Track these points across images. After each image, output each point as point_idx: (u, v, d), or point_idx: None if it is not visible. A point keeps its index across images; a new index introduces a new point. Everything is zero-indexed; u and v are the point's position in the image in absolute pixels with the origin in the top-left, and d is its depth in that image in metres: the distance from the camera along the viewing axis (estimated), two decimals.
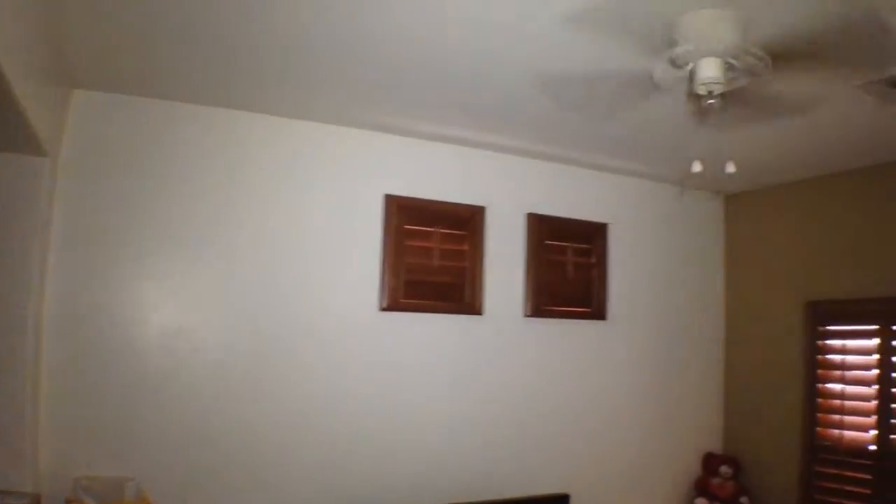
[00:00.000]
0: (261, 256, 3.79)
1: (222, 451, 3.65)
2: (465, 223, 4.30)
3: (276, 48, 2.98)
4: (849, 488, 4.46)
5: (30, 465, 3.09)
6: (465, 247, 4.29)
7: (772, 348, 4.96)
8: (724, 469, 4.92)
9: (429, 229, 4.19)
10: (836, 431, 4.59)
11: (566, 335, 4.61)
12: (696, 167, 3.10)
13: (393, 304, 4.05)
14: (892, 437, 4.24)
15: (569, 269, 4.65)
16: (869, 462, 4.35)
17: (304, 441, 3.81)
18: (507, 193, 4.47)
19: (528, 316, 4.48)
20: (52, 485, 3.24)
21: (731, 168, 3.13)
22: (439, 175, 4.27)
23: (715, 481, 4.91)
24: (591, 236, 4.75)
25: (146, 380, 3.53)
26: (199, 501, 3.56)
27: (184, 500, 3.52)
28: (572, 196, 4.71)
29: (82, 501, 3.17)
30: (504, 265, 4.42)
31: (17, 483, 2.98)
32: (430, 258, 4.18)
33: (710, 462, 5.02)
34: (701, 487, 4.96)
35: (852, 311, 4.55)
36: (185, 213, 3.66)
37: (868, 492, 4.34)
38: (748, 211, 5.28)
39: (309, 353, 3.86)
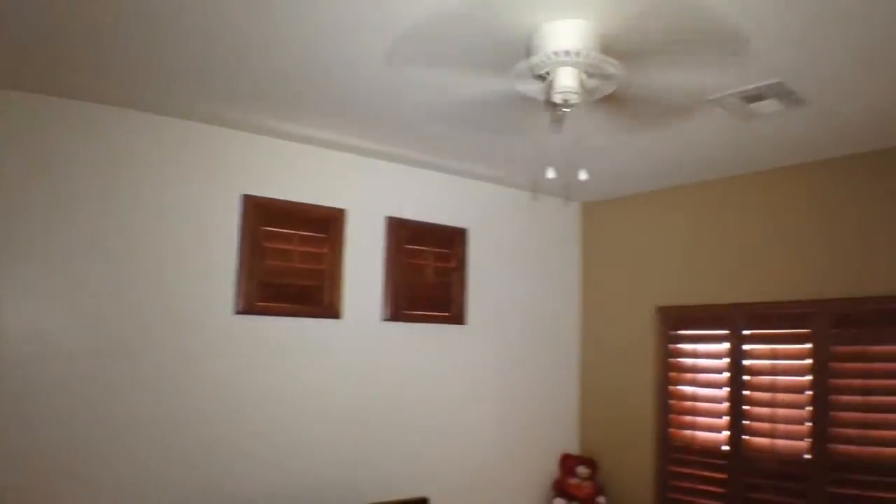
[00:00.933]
0: (118, 257, 3.63)
1: (85, 454, 3.48)
2: (325, 226, 4.25)
3: (129, 38, 2.86)
4: (702, 487, 4.65)
5: None
6: (325, 249, 4.23)
7: (626, 352, 5.13)
8: (581, 469, 5.04)
9: (288, 231, 4.11)
10: (689, 432, 4.79)
11: (425, 339, 4.62)
12: (550, 174, 3.17)
13: (248, 307, 3.96)
14: (745, 437, 4.44)
15: (428, 274, 4.66)
16: (722, 462, 4.55)
17: (160, 444, 3.67)
18: (368, 197, 4.45)
19: (387, 320, 4.46)
20: None
21: (583, 175, 3.21)
22: (299, 177, 4.19)
23: (572, 481, 5.02)
24: (450, 241, 4.78)
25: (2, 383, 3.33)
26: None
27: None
28: (432, 201, 4.73)
29: None
30: (364, 268, 4.39)
31: None
32: (288, 260, 4.10)
33: (568, 463, 5.13)
34: (559, 488, 5.06)
35: (702, 316, 4.76)
36: (42, 211, 3.46)
37: (722, 490, 4.54)
38: (604, 218, 5.44)
39: (164, 356, 3.71)
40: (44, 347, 3.43)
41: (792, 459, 4.25)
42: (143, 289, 3.69)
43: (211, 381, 3.84)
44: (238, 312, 3.94)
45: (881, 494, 3.86)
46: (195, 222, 3.86)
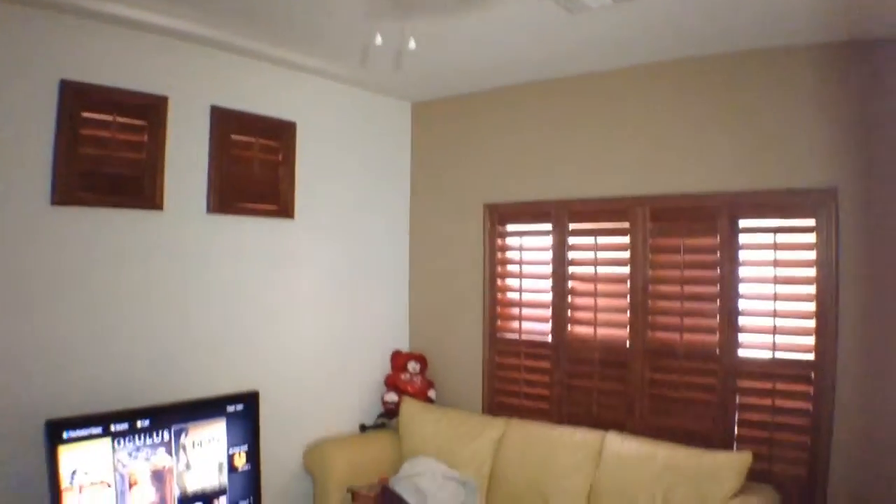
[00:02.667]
0: None
1: None
2: (146, 112, 3.99)
3: None
4: (529, 377, 4.89)
5: None
6: (145, 137, 4.00)
7: (455, 250, 5.24)
8: (412, 365, 5.17)
9: (106, 118, 3.84)
10: (516, 324, 4.98)
11: (253, 233, 4.51)
12: (378, 39, 3.14)
13: (66, 198, 3.70)
14: (569, 327, 4.68)
15: (256, 166, 4.52)
16: (547, 352, 4.78)
17: None
18: (192, 84, 4.21)
19: (213, 212, 4.32)
20: None
21: (412, 44, 3.22)
22: (120, 62, 3.90)
23: (404, 377, 5.14)
24: (279, 134, 4.64)
25: None
26: None
27: None
28: (261, 92, 4.55)
29: None
30: (187, 159, 4.18)
31: None
32: (106, 148, 3.85)
33: (398, 359, 5.24)
34: (391, 383, 5.16)
35: (528, 212, 4.90)
36: None
37: (546, 379, 4.78)
38: (434, 118, 5.46)
39: None
40: None
41: (613, 347, 4.51)
42: None
43: (26, 276, 3.60)
44: (55, 203, 3.67)
45: (694, 379, 4.20)
46: (8, 106, 3.53)
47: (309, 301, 4.85)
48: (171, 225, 4.13)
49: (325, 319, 4.94)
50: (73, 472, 3.34)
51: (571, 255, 4.71)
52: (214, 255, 4.34)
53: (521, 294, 4.98)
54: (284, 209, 4.68)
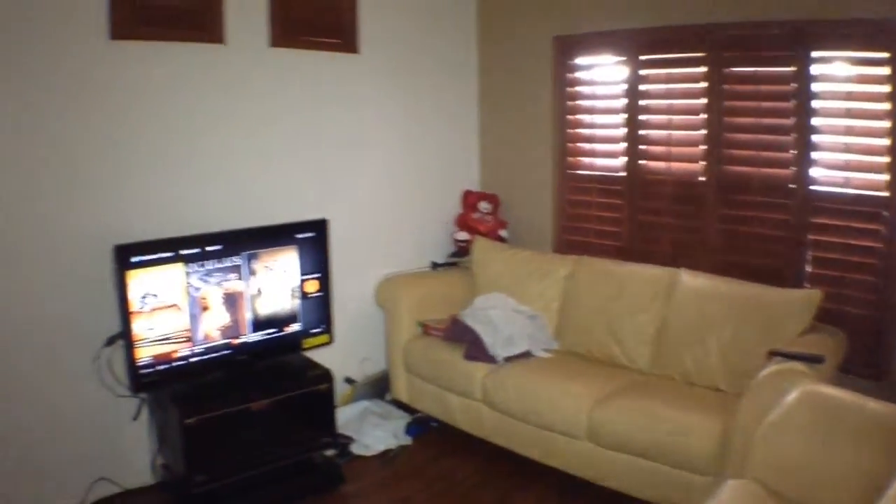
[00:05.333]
0: None
1: None
2: None
3: None
4: (600, 213, 4.79)
5: None
6: None
7: (524, 84, 5.04)
8: (483, 205, 5.08)
9: None
10: (588, 160, 4.84)
11: (317, 67, 4.40)
12: None
13: (124, 32, 3.63)
14: (641, 162, 4.51)
15: None
16: (619, 187, 4.65)
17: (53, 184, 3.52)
18: None
19: (275, 45, 4.20)
20: None
21: None
22: None
23: (475, 216, 5.07)
24: None
25: None
26: None
27: None
28: None
29: None
30: None
31: None
32: None
33: (469, 199, 5.15)
34: (462, 223, 5.11)
35: (598, 43, 4.66)
36: None
37: (619, 215, 4.68)
38: None
39: (33, 91, 3.42)
40: None
41: (687, 181, 4.35)
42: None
43: (87, 111, 3.59)
44: (113, 38, 3.60)
45: (766, 214, 4.04)
46: None
47: (377, 139, 4.77)
48: (233, 58, 4.05)
49: (394, 158, 4.87)
50: (144, 296, 3.40)
51: (643, 86, 4.49)
52: (278, 89, 4.26)
53: (592, 129, 4.81)
54: (349, 44, 4.53)
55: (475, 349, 4.12)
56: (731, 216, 4.18)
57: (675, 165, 4.41)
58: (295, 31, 4.27)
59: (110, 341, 3.59)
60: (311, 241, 3.96)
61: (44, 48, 3.43)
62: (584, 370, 3.99)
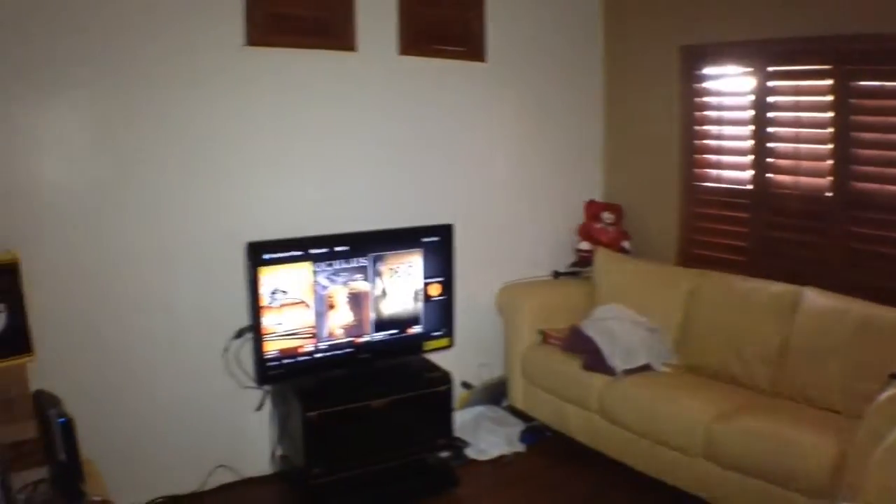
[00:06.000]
0: None
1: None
2: None
3: None
4: (725, 227, 4.66)
5: None
6: None
7: (649, 94, 4.97)
8: (606, 215, 5.02)
9: None
10: (714, 172, 4.73)
11: (444, 75, 4.47)
12: None
13: (259, 39, 3.79)
14: (768, 175, 4.38)
15: (445, 7, 4.45)
16: (745, 201, 4.51)
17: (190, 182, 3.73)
18: None
19: (403, 53, 4.29)
20: None
21: None
22: None
23: (598, 226, 5.01)
24: None
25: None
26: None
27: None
28: None
29: None
30: None
31: None
32: None
33: (592, 209, 5.10)
34: (585, 232, 5.07)
35: (726, 54, 4.56)
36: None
37: (745, 230, 4.55)
38: None
39: (171, 89, 3.62)
40: None
41: (813, 196, 4.19)
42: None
43: (221, 116, 3.77)
44: (249, 44, 3.77)
45: None
46: None
47: (500, 147, 4.80)
48: (362, 65, 4.16)
49: (517, 165, 4.88)
50: (273, 292, 3.52)
51: (771, 98, 4.35)
52: (405, 96, 4.35)
53: (718, 141, 4.70)
54: (475, 52, 4.58)
55: (594, 360, 4.09)
56: (858, 234, 4.00)
57: (803, 180, 4.25)
58: (423, 39, 4.36)
59: (239, 334, 3.74)
60: (436, 245, 4.01)
61: (186, 56, 3.64)
62: (703, 386, 3.90)
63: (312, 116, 4.03)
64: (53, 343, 3.35)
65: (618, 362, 4.03)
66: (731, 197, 4.63)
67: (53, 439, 2.64)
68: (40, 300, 3.27)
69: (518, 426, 4.53)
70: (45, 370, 3.20)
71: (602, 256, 4.80)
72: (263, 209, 3.90)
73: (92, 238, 3.53)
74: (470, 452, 4.28)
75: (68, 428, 2.62)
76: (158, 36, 3.56)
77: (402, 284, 3.94)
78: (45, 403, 2.69)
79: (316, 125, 4.05)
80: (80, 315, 3.53)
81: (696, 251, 4.81)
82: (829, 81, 4.05)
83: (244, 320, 3.72)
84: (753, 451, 3.31)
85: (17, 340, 3.13)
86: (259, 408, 3.90)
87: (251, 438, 4.01)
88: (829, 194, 4.09)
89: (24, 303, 3.14)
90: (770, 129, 4.35)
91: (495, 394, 4.79)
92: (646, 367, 4.07)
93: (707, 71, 4.70)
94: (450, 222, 4.10)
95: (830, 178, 4.09)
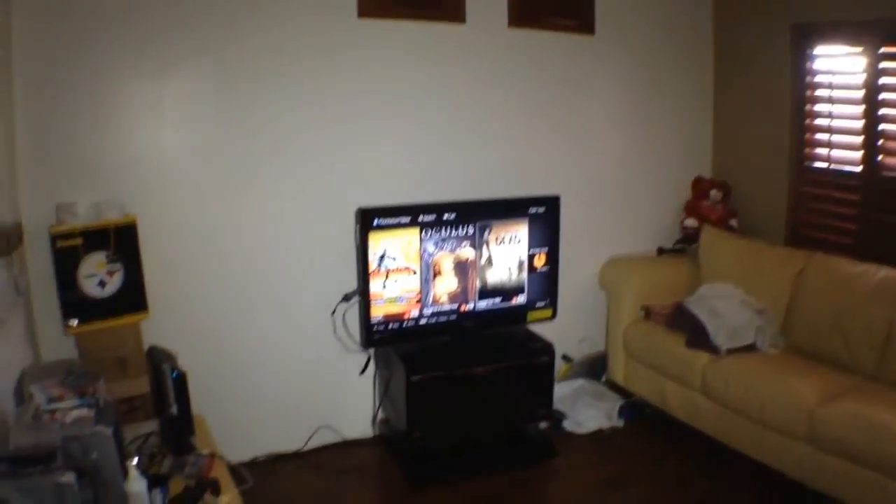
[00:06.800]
0: None
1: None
2: None
3: None
4: (835, 209, 4.52)
5: (8, 193, 3.02)
6: None
7: (759, 73, 4.85)
8: (714, 193, 4.94)
9: None
10: (824, 153, 4.59)
11: (552, 48, 4.45)
12: None
13: (371, 10, 3.85)
14: (879, 158, 4.23)
15: None
16: (856, 182, 4.37)
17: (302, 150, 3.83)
18: None
19: (513, 26, 4.29)
20: (32, 213, 3.22)
21: None
22: None
23: (705, 204, 4.94)
24: None
25: None
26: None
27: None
28: None
29: (68, 224, 3.17)
30: None
31: None
32: None
33: (700, 186, 5.03)
34: (692, 209, 5.01)
35: (839, 33, 4.41)
36: None
37: (854, 212, 4.41)
38: None
39: (288, 60, 3.73)
40: None
41: None
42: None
43: (336, 90, 3.86)
44: (361, 16, 3.84)
45: None
46: None
47: (608, 120, 4.76)
48: (472, 38, 4.18)
49: (624, 140, 4.82)
50: (382, 257, 3.60)
51: (883, 80, 4.18)
52: (514, 68, 4.35)
53: (829, 120, 4.55)
54: (585, 25, 4.54)
55: (698, 337, 4.03)
56: None
57: None
58: (533, 11, 4.34)
59: (347, 297, 3.82)
60: (543, 216, 4.04)
61: (301, 28, 3.75)
62: (809, 369, 3.80)
63: (421, 87, 4.08)
64: (168, 303, 3.53)
65: (722, 341, 3.97)
66: (841, 178, 4.49)
67: (165, 393, 2.77)
68: (157, 262, 3.45)
69: (617, 401, 4.51)
70: (158, 329, 3.37)
71: (709, 234, 4.72)
72: (373, 177, 3.98)
73: (207, 202, 3.68)
74: (568, 425, 4.31)
75: (181, 382, 2.75)
76: (277, 8, 3.67)
77: (507, 254, 3.97)
78: (158, 358, 2.82)
79: (425, 96, 4.10)
80: (193, 277, 3.69)
81: (804, 232, 4.68)
82: None
83: (351, 285, 3.81)
84: (857, 437, 3.23)
85: (132, 299, 3.31)
86: (363, 371, 3.99)
87: (353, 402, 4.12)
88: None
89: (141, 263, 3.29)
90: (883, 111, 4.19)
91: (595, 368, 4.78)
92: (751, 348, 4.00)
93: (818, 50, 4.55)
94: (557, 194, 4.10)
95: None
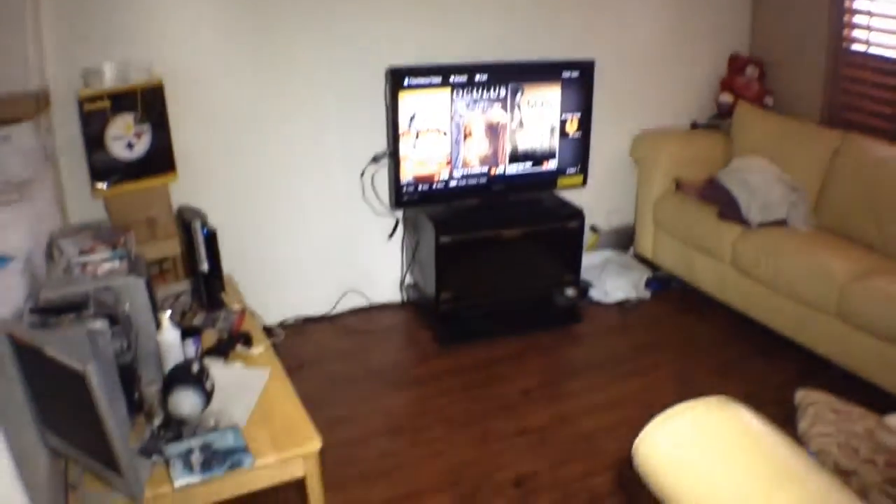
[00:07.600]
0: None
1: None
2: None
3: None
4: (872, 92, 4.37)
5: (34, 58, 2.94)
6: None
7: None
8: (749, 69, 4.79)
9: None
10: (864, 35, 4.39)
11: None
12: None
13: None
14: None
15: None
16: (894, 67, 4.19)
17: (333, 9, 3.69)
18: None
19: None
20: (59, 78, 3.16)
21: None
22: None
23: (741, 80, 4.79)
24: None
25: None
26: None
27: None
28: None
29: (95, 87, 3.10)
30: None
31: (21, 81, 2.82)
32: None
33: (736, 63, 4.87)
34: (727, 85, 4.86)
35: None
36: None
37: (891, 96, 4.24)
38: None
39: None
40: None
41: None
42: None
43: None
44: None
45: None
46: None
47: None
48: None
49: (662, 10, 4.61)
50: (412, 118, 3.54)
51: None
52: None
53: (870, 2, 4.31)
54: None
55: (729, 210, 3.98)
56: None
57: None
58: None
59: (376, 158, 3.78)
60: (576, 81, 3.91)
61: None
62: (841, 247, 3.75)
63: None
64: (196, 166, 3.50)
65: (754, 214, 3.92)
66: (879, 63, 4.32)
67: (196, 250, 2.76)
68: (185, 124, 3.40)
69: (644, 273, 4.50)
70: (187, 192, 3.35)
71: (743, 110, 4.60)
72: (404, 38, 3.84)
73: (237, 63, 3.59)
74: (594, 294, 4.32)
75: (211, 238, 2.74)
76: None
77: (539, 118, 3.88)
78: (189, 216, 2.80)
79: None
80: (222, 140, 3.64)
81: (839, 114, 4.54)
82: None
83: (381, 147, 3.77)
84: (886, 314, 3.21)
85: (161, 160, 3.28)
86: (392, 234, 3.99)
87: (381, 267, 4.14)
88: None
89: (168, 124, 3.25)
90: None
91: (622, 240, 4.76)
92: (782, 223, 3.95)
93: None
94: (592, 58, 3.98)
95: None
